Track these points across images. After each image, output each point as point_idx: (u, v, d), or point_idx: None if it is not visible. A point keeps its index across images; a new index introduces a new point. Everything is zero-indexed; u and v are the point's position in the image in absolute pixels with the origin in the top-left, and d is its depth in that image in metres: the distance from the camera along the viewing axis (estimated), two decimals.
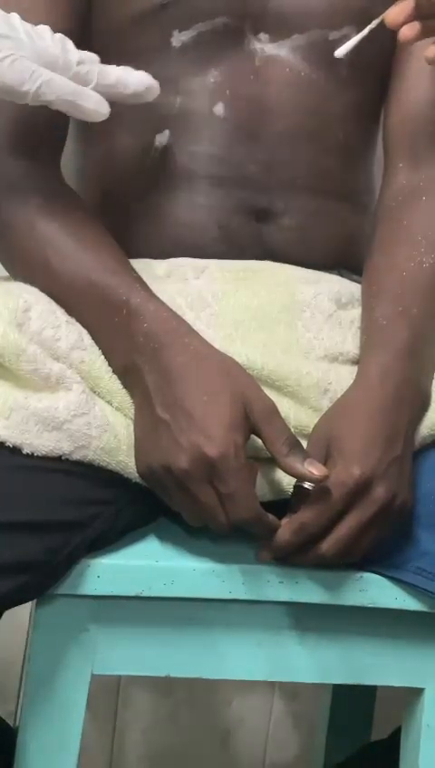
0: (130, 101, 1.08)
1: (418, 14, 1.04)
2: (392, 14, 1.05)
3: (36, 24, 1.06)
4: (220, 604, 1.06)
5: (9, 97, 1.03)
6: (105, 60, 1.21)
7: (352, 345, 1.13)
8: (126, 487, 1.05)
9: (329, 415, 1.07)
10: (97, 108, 1.05)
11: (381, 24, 1.07)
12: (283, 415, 1.04)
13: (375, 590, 1.07)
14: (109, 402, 1.06)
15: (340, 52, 1.09)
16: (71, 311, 1.08)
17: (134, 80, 1.08)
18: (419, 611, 1.07)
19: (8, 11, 1.10)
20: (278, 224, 1.22)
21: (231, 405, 1.01)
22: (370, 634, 1.09)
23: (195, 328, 1.07)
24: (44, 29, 1.06)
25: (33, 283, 1.09)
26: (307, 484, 1.02)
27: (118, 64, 1.19)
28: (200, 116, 1.19)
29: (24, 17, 1.08)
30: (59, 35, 1.06)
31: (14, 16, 1.04)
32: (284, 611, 1.07)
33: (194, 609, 1.06)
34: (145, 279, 1.09)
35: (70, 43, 1.06)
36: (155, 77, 1.12)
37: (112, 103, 1.13)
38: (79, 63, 1.05)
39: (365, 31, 1.09)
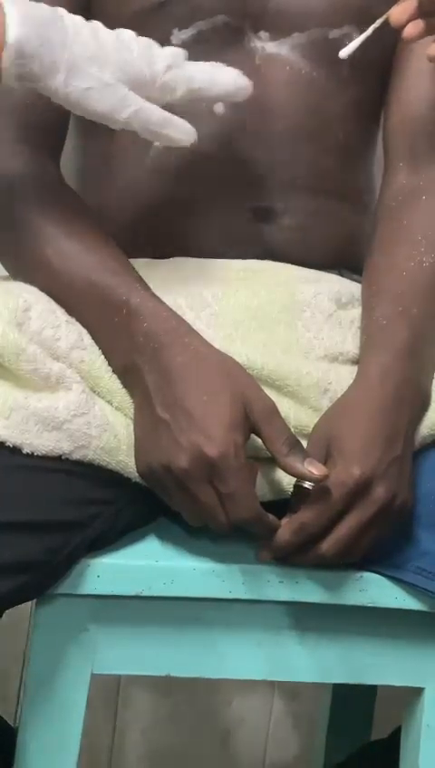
0: (219, 101, 1.07)
1: (421, 13, 1.04)
2: (396, 13, 1.05)
3: None
4: (220, 604, 1.06)
5: (102, 121, 1.03)
6: None
7: (352, 345, 1.13)
8: (126, 487, 1.05)
9: (329, 415, 1.07)
10: (184, 137, 1.06)
11: (383, 23, 1.07)
12: (283, 415, 1.04)
13: (375, 590, 1.07)
14: (109, 402, 1.06)
15: (344, 52, 1.09)
16: (71, 310, 1.08)
17: (224, 79, 1.07)
18: (419, 611, 1.07)
19: None
20: (278, 223, 1.22)
21: (231, 405, 1.01)
22: (370, 634, 1.09)
23: (195, 328, 1.07)
24: (130, 36, 1.05)
25: (32, 282, 1.09)
26: (307, 484, 1.02)
27: None
28: (200, 115, 1.19)
29: None
30: (144, 40, 1.05)
31: (100, 27, 1.03)
32: (284, 611, 1.07)
33: (194, 608, 1.06)
34: (145, 279, 1.09)
35: (156, 47, 1.05)
36: None
37: None
38: (167, 70, 1.05)
39: (369, 31, 1.09)
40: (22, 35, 0.96)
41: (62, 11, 1.02)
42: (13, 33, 0.96)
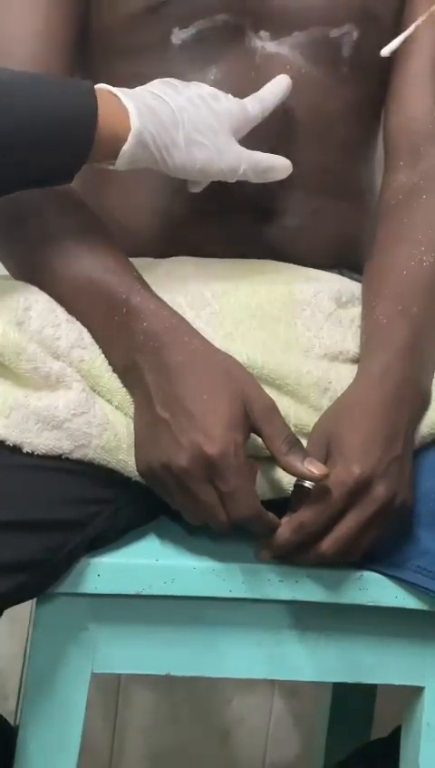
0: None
1: None
2: None
3: (35, 23, 1.06)
4: (220, 603, 1.06)
5: (222, 179, 1.12)
6: (106, 59, 1.22)
7: (352, 344, 1.13)
8: (126, 486, 1.05)
9: (329, 413, 1.07)
10: (284, 172, 1.15)
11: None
12: (283, 414, 1.04)
13: (375, 589, 1.07)
14: (109, 401, 1.06)
15: (386, 50, 1.12)
16: (71, 309, 1.07)
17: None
18: (419, 610, 1.07)
19: (11, 11, 1.10)
20: (279, 222, 1.22)
21: (231, 403, 1.01)
22: (370, 633, 1.09)
23: (195, 327, 1.07)
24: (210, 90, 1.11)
25: (32, 281, 1.09)
26: (307, 483, 1.02)
27: (118, 62, 1.20)
28: None
29: (25, 19, 1.08)
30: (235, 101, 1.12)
31: (194, 93, 1.09)
32: (284, 610, 1.07)
33: (194, 607, 1.06)
34: (145, 278, 1.09)
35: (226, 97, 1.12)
36: (155, 75, 1.12)
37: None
38: (258, 114, 1.14)
39: (411, 28, 1.11)
40: (141, 125, 1.04)
41: (162, 90, 1.08)
42: (133, 124, 1.04)
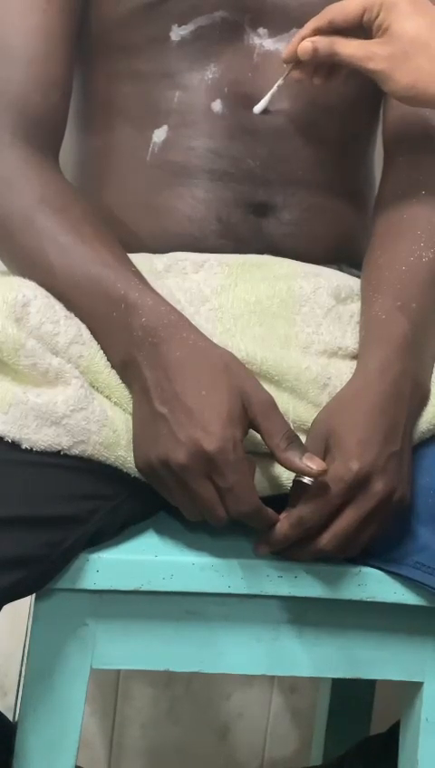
0: None
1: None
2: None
3: (33, 17, 1.07)
4: (219, 598, 1.06)
5: None
6: (104, 55, 1.22)
7: (351, 340, 1.13)
8: (125, 482, 1.05)
9: (328, 409, 1.07)
10: None
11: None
12: (282, 410, 1.04)
13: (374, 585, 1.07)
14: (108, 397, 1.06)
15: (257, 108, 1.18)
16: (69, 305, 1.07)
17: None
18: (418, 606, 1.08)
19: (9, 5, 1.10)
20: (278, 218, 1.22)
21: (229, 399, 1.01)
22: (369, 628, 1.09)
23: (194, 322, 1.07)
24: None
25: (31, 277, 1.09)
26: (306, 479, 1.02)
27: (117, 59, 1.20)
28: (198, 111, 1.19)
29: (23, 13, 1.08)
30: None
31: None
32: (283, 606, 1.07)
33: (193, 603, 1.06)
34: (144, 273, 1.09)
35: None
36: (153, 72, 1.12)
37: (112, 97, 1.13)
38: None
39: (274, 88, 1.16)
40: None
41: None
42: None
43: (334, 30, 1.13)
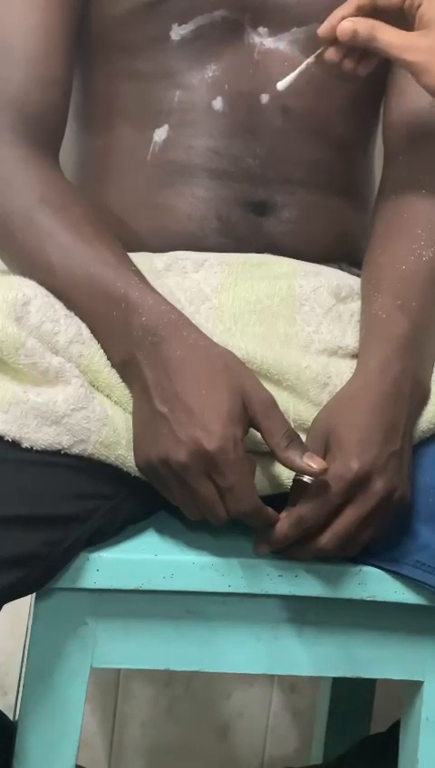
0: None
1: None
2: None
3: (33, 16, 1.07)
4: (219, 598, 1.06)
5: None
6: (105, 55, 1.22)
7: (351, 339, 1.13)
8: (125, 481, 1.05)
9: (328, 408, 1.07)
10: None
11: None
12: (282, 409, 1.04)
13: (374, 584, 1.07)
14: (108, 396, 1.06)
15: (281, 84, 1.13)
16: (69, 304, 1.07)
17: None
18: (418, 605, 1.08)
19: (9, 4, 1.10)
20: (278, 217, 1.22)
21: (230, 398, 1.01)
22: (369, 627, 1.09)
23: (194, 322, 1.07)
24: None
25: (31, 276, 1.09)
26: (306, 478, 1.02)
27: (117, 58, 1.20)
28: (199, 110, 1.19)
29: (23, 12, 1.08)
30: None
31: None
32: (283, 605, 1.07)
33: (193, 602, 1.06)
34: (144, 272, 1.09)
35: None
36: (154, 71, 1.12)
37: (113, 97, 1.13)
38: None
39: (303, 66, 1.12)
40: None
41: None
42: None
43: (374, 9, 1.08)
